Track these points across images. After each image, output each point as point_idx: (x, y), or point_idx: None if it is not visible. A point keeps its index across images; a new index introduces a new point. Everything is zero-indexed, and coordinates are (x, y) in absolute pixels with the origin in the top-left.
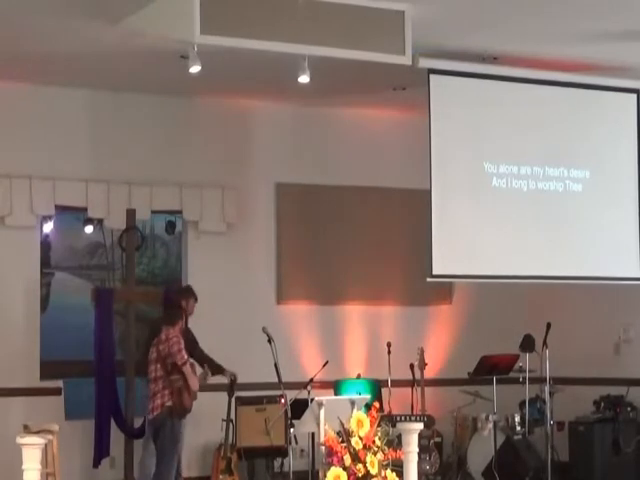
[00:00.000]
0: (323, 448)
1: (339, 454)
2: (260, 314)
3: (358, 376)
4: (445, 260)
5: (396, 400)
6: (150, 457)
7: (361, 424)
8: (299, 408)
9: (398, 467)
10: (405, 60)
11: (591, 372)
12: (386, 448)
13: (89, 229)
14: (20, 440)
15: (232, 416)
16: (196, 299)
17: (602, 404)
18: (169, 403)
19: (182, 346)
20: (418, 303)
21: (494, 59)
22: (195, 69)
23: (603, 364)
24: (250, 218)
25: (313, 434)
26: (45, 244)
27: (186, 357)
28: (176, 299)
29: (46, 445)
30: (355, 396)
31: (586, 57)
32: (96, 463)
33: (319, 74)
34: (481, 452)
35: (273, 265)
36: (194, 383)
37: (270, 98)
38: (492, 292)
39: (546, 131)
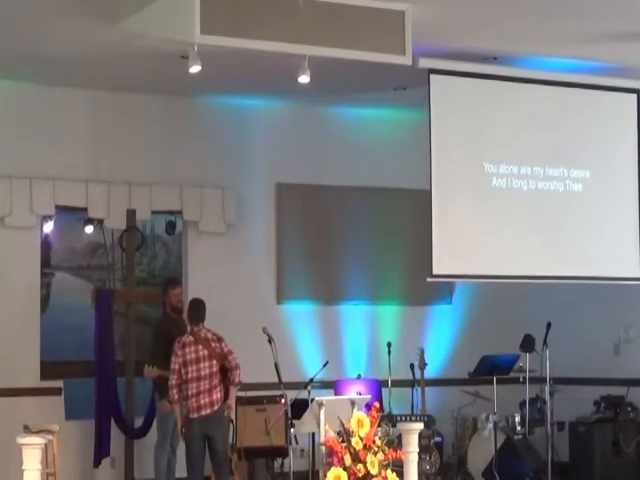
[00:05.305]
0: (323, 448)
1: (339, 454)
2: (260, 314)
3: (358, 376)
4: (445, 260)
5: (396, 400)
6: (164, 454)
7: (361, 424)
8: (299, 408)
9: (398, 467)
10: (405, 60)
11: (591, 372)
12: (386, 448)
13: (89, 229)
14: (20, 440)
15: (232, 416)
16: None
17: (602, 404)
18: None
19: None
20: (418, 303)
21: (494, 59)
22: (195, 69)
23: (603, 364)
24: (250, 218)
25: (313, 434)
26: (45, 244)
27: None
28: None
29: (46, 445)
30: (355, 396)
31: (586, 57)
32: (96, 463)
33: (319, 74)
34: (481, 452)
35: (273, 265)
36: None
37: (270, 98)
38: (492, 292)
39: (546, 131)
